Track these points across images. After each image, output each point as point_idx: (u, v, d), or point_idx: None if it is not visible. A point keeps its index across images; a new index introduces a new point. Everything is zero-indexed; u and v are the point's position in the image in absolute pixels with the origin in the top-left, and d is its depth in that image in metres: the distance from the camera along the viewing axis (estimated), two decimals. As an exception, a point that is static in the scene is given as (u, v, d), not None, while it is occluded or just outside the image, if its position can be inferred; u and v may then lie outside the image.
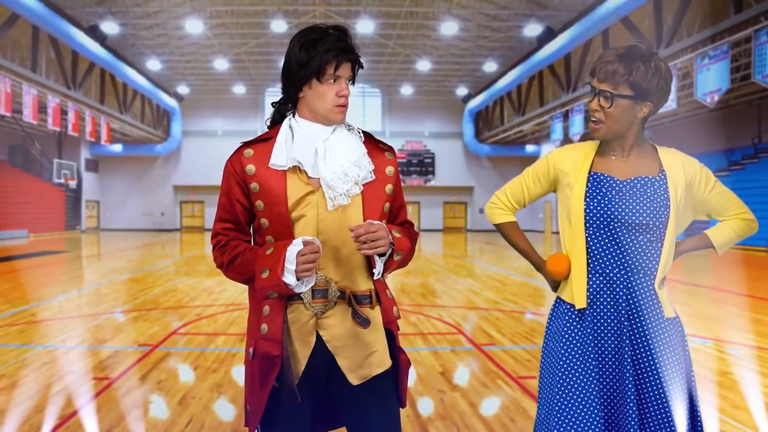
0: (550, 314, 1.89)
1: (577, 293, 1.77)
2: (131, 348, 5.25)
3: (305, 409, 1.73)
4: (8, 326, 6.23)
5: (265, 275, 1.60)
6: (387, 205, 1.76)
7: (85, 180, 31.87)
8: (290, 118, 1.75)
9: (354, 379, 1.70)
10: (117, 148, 32.60)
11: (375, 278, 1.73)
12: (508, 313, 7.14)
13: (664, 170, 1.76)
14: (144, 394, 3.92)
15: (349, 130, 1.77)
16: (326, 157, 1.69)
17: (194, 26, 22.62)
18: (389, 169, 1.77)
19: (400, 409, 1.82)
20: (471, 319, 6.82)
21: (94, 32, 21.84)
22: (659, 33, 16.55)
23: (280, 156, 1.69)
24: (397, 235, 1.69)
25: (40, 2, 18.02)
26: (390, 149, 1.82)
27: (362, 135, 1.78)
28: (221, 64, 28.18)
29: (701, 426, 1.74)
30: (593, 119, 1.74)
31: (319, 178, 1.69)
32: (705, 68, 14.36)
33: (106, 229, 34.27)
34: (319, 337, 1.70)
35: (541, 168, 1.89)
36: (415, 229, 1.90)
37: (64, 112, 22.54)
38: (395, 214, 1.83)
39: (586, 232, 1.77)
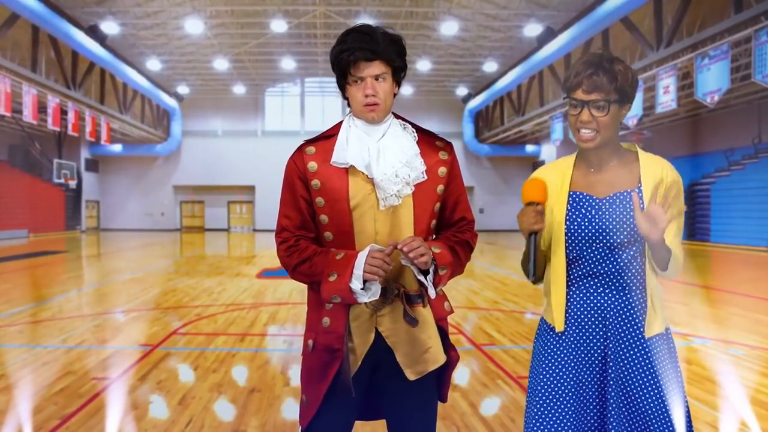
0: (536, 333, 1.89)
1: (557, 316, 1.76)
2: (131, 348, 5.25)
3: (354, 401, 1.77)
4: (8, 326, 6.23)
5: (332, 279, 1.63)
6: (438, 205, 1.77)
7: (85, 180, 31.85)
8: (350, 116, 1.79)
9: (411, 375, 1.75)
10: (117, 148, 32.56)
11: (432, 298, 1.75)
12: (509, 313, 7.14)
13: (641, 182, 1.72)
14: (144, 394, 3.92)
15: (404, 128, 1.79)
16: (379, 158, 1.72)
17: (194, 26, 22.60)
18: (441, 170, 1.77)
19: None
20: (471, 319, 6.82)
21: (94, 32, 21.82)
22: (659, 33, 16.55)
23: (342, 154, 1.73)
24: (437, 250, 1.68)
25: (40, 2, 18.00)
26: (446, 147, 1.81)
27: (416, 134, 1.79)
28: (221, 64, 28.15)
29: None
30: (585, 131, 1.69)
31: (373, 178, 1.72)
32: (705, 68, 14.36)
33: (106, 229, 34.24)
34: (377, 333, 1.74)
35: None
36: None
37: (64, 112, 22.51)
38: (451, 210, 1.82)
39: (567, 256, 1.75)
